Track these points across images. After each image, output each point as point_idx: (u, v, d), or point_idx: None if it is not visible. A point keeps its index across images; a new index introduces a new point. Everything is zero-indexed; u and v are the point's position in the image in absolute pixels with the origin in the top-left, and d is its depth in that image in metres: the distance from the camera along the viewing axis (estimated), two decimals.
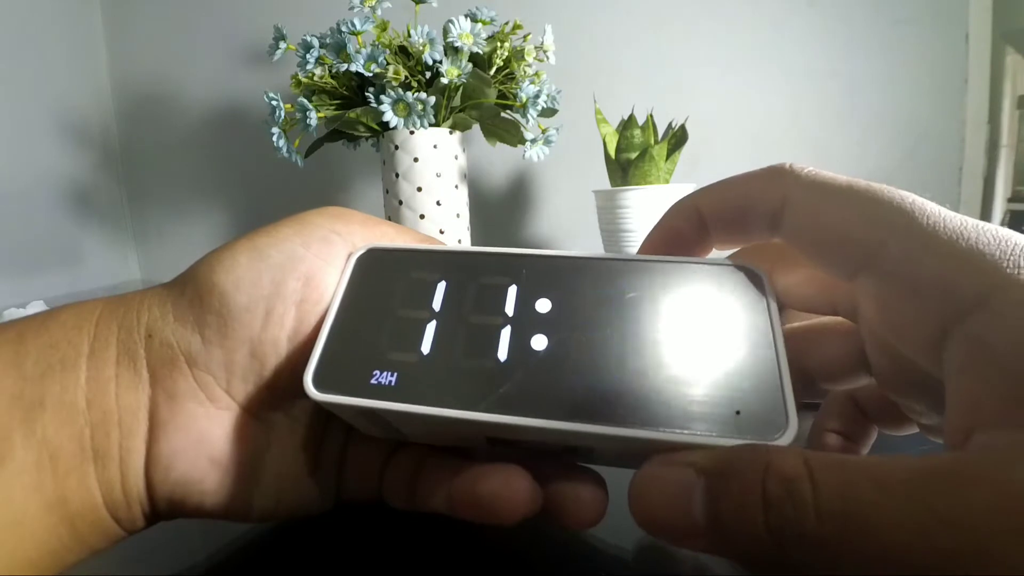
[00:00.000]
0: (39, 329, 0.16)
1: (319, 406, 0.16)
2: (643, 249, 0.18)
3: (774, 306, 0.15)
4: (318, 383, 0.15)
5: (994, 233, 0.12)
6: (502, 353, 0.15)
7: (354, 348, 0.16)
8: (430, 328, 0.16)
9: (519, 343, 0.15)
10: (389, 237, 0.19)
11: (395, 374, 0.15)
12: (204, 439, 0.16)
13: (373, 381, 0.15)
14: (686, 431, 0.13)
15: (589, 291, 0.16)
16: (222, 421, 0.16)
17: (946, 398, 0.12)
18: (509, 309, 0.16)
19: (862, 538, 0.09)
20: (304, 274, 0.17)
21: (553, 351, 0.15)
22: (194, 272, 0.17)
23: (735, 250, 0.18)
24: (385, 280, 0.17)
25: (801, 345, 0.17)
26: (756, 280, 0.16)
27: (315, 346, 0.16)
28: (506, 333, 0.16)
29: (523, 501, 0.15)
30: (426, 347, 0.16)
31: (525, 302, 0.16)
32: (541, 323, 0.16)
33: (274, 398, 0.17)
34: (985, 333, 0.11)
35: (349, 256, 0.18)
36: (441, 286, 0.17)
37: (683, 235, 0.18)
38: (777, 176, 0.16)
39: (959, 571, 0.09)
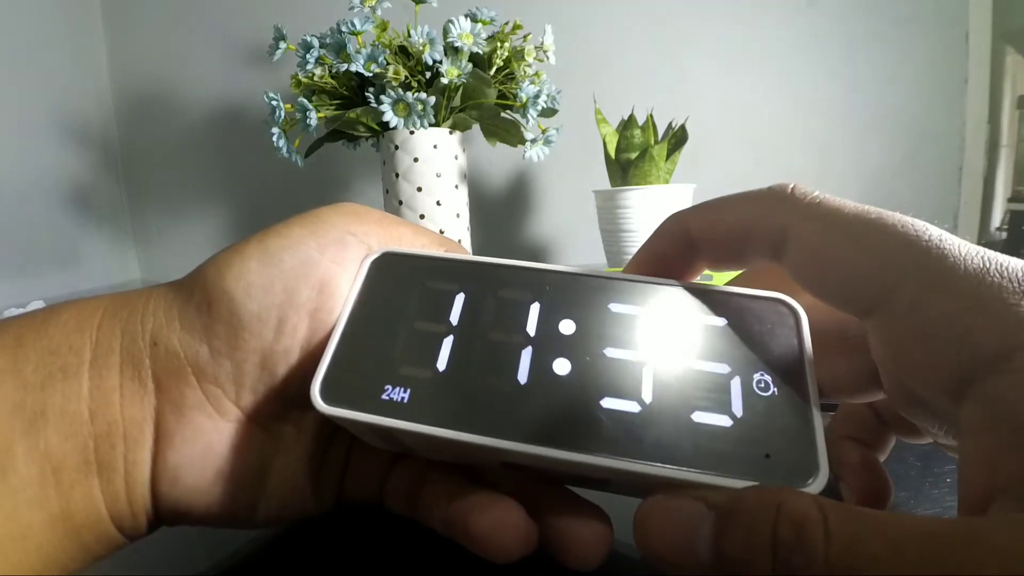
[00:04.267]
0: (39, 331, 0.15)
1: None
2: (628, 270, 0.17)
3: (809, 345, 0.14)
4: (326, 396, 0.15)
5: (1020, 276, 0.11)
6: (522, 376, 0.14)
7: (365, 359, 0.15)
8: (447, 343, 0.15)
9: (540, 366, 0.15)
10: (407, 239, 0.18)
11: (408, 390, 0.15)
12: (211, 451, 0.15)
13: (384, 396, 0.15)
14: (712, 472, 0.13)
15: (617, 315, 0.15)
16: (230, 433, 0.16)
17: (961, 454, 0.12)
18: (531, 329, 0.15)
19: None
20: (318, 281, 0.16)
21: (576, 377, 0.14)
22: (202, 276, 0.16)
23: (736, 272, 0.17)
24: (400, 287, 0.16)
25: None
26: (793, 315, 0.15)
27: (324, 355, 0.15)
28: (527, 354, 0.15)
29: (516, 542, 0.15)
30: (442, 363, 0.15)
31: (548, 322, 0.15)
32: (565, 346, 0.15)
33: (283, 409, 0.16)
34: (1005, 396, 0.11)
35: (363, 259, 0.17)
36: (459, 298, 0.16)
37: (670, 260, 0.17)
38: (779, 202, 0.14)
39: None
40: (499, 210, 0.79)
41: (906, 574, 0.09)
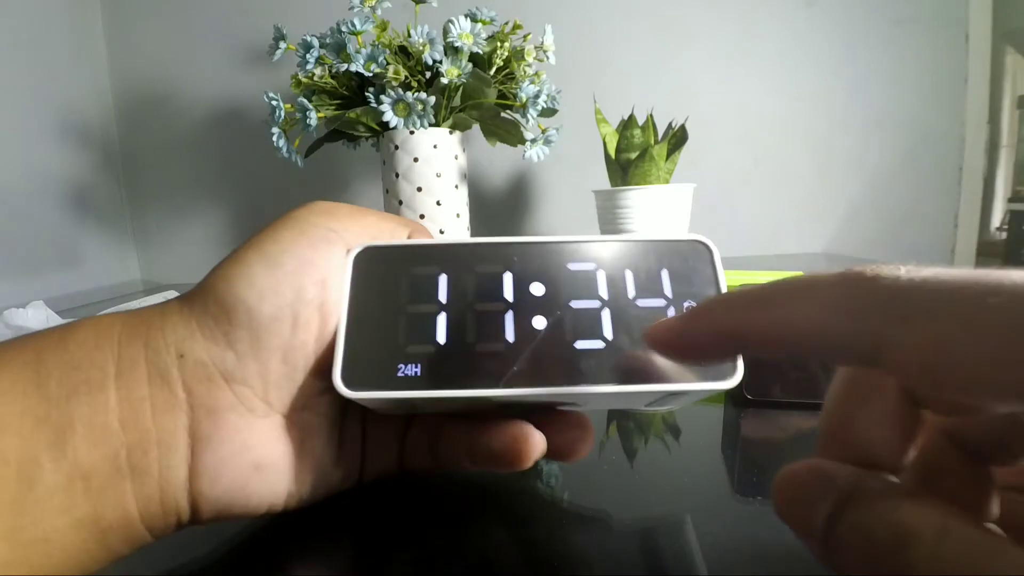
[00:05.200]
0: (57, 347, 0.16)
1: (341, 398, 0.17)
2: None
3: (721, 271, 0.19)
4: (347, 382, 0.17)
5: None
6: (509, 335, 0.18)
7: (374, 345, 0.17)
8: (441, 319, 0.18)
9: (522, 325, 0.18)
10: (375, 226, 0.20)
11: (418, 365, 0.17)
12: (247, 448, 0.16)
13: (400, 373, 0.17)
14: (663, 383, 0.17)
15: (576, 272, 0.19)
16: (261, 428, 0.17)
17: None
18: (508, 295, 0.18)
19: None
20: (319, 277, 0.17)
21: (552, 328, 0.18)
22: (212, 288, 0.17)
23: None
24: (388, 276, 0.19)
25: None
26: (708, 251, 0.19)
27: (336, 347, 0.17)
28: (510, 317, 0.18)
29: (532, 449, 0.18)
30: (441, 337, 0.18)
31: (521, 287, 0.18)
32: (538, 305, 0.18)
33: (305, 398, 0.17)
34: None
35: (348, 254, 0.18)
36: (443, 279, 0.19)
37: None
38: (862, 302, 0.12)
39: None
40: (499, 210, 0.79)
41: None
